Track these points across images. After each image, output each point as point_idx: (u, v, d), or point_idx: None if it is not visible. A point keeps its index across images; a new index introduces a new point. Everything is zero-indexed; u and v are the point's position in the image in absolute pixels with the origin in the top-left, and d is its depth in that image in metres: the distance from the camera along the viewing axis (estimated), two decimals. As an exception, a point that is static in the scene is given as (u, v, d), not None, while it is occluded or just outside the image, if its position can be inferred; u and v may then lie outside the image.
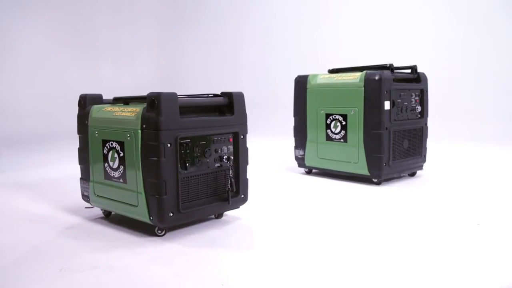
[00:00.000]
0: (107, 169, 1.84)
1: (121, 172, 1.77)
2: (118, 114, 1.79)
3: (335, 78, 2.76)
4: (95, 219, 2.00)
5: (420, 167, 2.87)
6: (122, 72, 6.86)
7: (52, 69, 6.33)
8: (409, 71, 2.78)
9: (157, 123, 1.62)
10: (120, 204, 1.79)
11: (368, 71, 2.59)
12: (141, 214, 1.71)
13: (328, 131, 2.78)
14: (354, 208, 2.19)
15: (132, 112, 1.73)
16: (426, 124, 2.84)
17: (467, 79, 5.17)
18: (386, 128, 2.55)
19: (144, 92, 1.89)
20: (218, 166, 1.84)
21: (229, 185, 1.85)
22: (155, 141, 1.62)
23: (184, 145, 1.70)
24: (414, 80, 2.79)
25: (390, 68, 2.61)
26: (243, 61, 6.75)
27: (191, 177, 1.74)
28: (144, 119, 1.66)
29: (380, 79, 2.51)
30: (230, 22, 6.92)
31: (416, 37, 5.44)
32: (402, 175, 2.79)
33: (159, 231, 1.74)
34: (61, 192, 2.56)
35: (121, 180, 1.77)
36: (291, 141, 3.06)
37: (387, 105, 2.54)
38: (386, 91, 2.53)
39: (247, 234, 1.82)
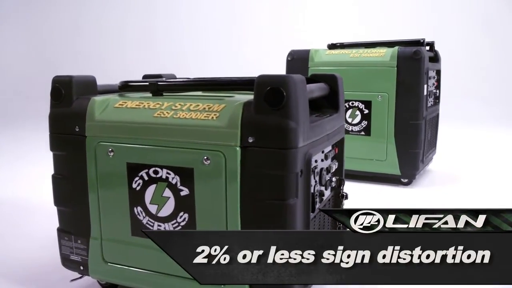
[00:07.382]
0: (140, 217, 0.99)
1: (184, 223, 0.95)
2: (167, 114, 0.95)
3: (351, 55, 2.19)
4: (94, 301, 1.12)
5: (431, 160, 2.51)
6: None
7: None
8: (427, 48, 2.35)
9: (286, 135, 0.85)
10: (180, 280, 0.97)
11: (401, 47, 2.09)
12: (238, 300, 0.93)
13: (342, 121, 2.21)
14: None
15: (210, 111, 0.91)
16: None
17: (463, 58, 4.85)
18: (424, 118, 2.10)
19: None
20: (325, 197, 1.14)
21: (340, 224, 1.17)
22: (281, 169, 0.86)
23: (315, 170, 0.96)
24: (431, 59, 2.38)
25: (423, 44, 2.15)
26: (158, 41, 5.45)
27: (311, 220, 1.02)
28: (252, 125, 0.87)
29: (420, 58, 2.03)
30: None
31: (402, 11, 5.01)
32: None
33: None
34: (12, 240, 1.50)
35: (181, 239, 0.96)
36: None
37: (425, 89, 2.08)
38: (425, 73, 2.07)
39: None
